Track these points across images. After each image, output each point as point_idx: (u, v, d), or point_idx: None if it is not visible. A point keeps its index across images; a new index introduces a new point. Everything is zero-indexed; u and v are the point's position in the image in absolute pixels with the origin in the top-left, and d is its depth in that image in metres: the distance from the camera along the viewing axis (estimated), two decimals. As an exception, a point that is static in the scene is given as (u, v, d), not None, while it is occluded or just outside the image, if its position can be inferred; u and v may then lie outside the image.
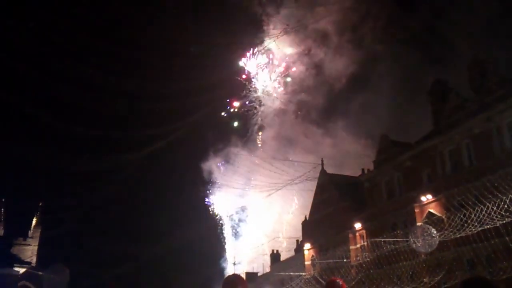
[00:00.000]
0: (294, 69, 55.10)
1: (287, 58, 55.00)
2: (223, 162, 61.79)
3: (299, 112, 57.24)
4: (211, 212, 64.78)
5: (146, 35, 69.52)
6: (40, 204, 63.02)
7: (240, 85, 55.41)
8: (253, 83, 56.27)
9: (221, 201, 65.24)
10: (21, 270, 55.78)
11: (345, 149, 49.82)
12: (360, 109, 53.90)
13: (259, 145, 59.08)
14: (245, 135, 59.71)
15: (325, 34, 52.65)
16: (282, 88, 56.30)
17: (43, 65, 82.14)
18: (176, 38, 58.99)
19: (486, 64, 28.56)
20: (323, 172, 41.56)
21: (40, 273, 56.42)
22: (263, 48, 54.05)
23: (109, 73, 67.69)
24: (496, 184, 22.17)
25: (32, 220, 62.56)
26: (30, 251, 59.83)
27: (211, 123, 64.78)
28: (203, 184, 64.70)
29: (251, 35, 54.53)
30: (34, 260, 58.99)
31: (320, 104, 56.97)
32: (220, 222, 65.76)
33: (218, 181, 63.77)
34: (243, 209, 62.75)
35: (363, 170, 37.02)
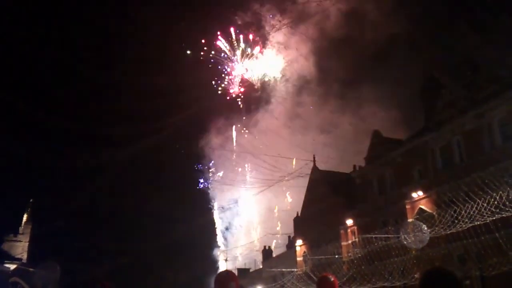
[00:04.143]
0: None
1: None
2: (217, 151, 61.58)
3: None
4: (203, 207, 64.81)
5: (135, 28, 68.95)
6: (31, 200, 62.80)
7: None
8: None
9: (214, 196, 65.28)
10: (12, 267, 55.51)
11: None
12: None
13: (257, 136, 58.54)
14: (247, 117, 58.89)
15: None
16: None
17: (28, 57, 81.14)
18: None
19: (477, 61, 28.67)
20: (315, 168, 41.62)
21: (31, 269, 56.09)
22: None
23: (101, 67, 67.31)
24: (486, 181, 22.28)
25: (23, 217, 62.28)
26: (21, 247, 59.59)
27: (207, 114, 64.35)
28: (196, 179, 64.68)
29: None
30: (25, 256, 58.74)
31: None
32: (213, 217, 65.89)
33: (211, 176, 63.76)
34: (234, 205, 62.78)
35: (354, 166, 37.10)
